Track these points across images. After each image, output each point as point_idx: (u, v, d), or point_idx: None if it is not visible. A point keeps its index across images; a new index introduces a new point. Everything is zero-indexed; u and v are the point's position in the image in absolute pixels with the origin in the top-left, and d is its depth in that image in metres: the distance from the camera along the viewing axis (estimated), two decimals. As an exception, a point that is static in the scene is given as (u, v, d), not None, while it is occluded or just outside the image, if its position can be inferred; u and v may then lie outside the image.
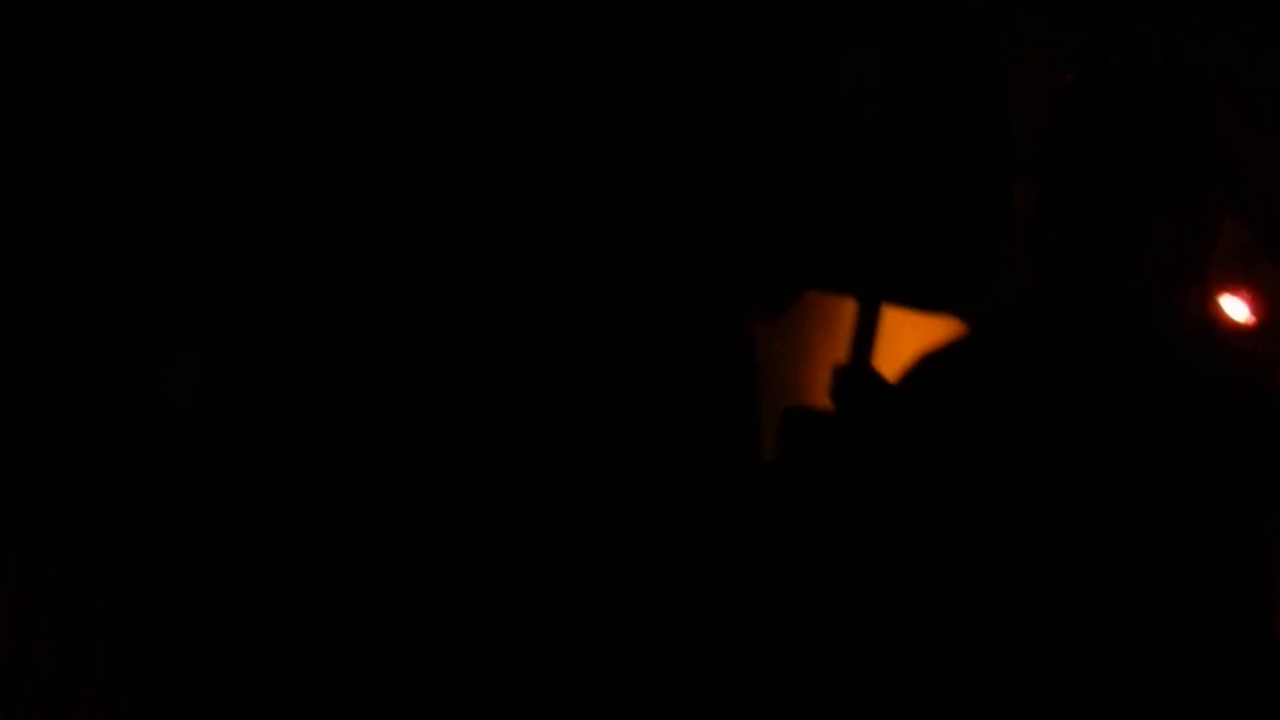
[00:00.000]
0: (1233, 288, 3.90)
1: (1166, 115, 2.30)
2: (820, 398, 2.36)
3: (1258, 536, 2.17)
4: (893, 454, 2.25)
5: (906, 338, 2.42)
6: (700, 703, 3.96)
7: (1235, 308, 3.86)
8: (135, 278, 3.68)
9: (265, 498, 3.80)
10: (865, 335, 2.38)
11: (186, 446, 3.77)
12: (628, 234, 3.99)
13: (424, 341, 3.91)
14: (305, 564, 3.82)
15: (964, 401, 2.21)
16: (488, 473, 3.93)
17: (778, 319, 4.12)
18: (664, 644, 3.98)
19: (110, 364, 3.70)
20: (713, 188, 4.03)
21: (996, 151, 2.44)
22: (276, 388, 3.85)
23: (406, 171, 3.87)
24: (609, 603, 3.98)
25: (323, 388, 3.88)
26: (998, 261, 2.49)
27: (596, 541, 3.99)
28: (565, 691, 3.94)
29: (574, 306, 4.00)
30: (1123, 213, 2.23)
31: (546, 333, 4.02)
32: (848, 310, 2.44)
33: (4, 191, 3.54)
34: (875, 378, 2.38)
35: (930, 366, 2.35)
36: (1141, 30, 3.76)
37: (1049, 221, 2.26)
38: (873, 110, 2.53)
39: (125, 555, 3.71)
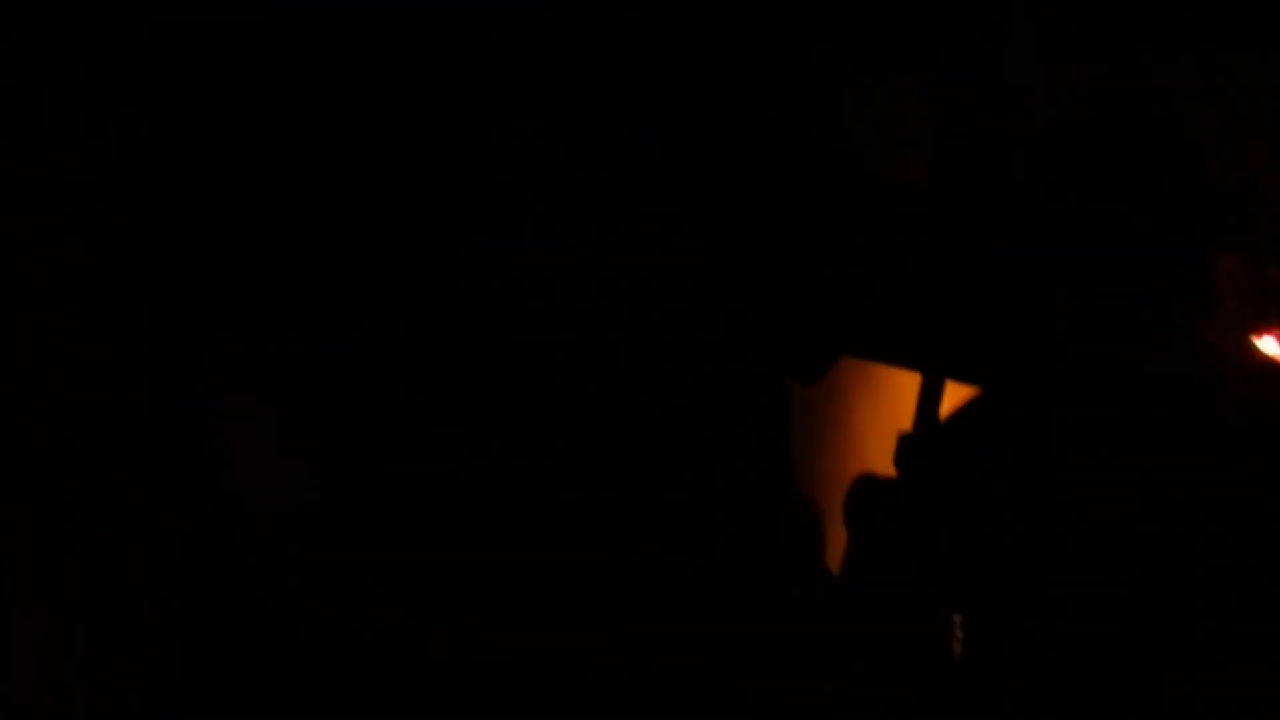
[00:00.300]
0: (1269, 328, 3.92)
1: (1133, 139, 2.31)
2: (877, 464, 2.37)
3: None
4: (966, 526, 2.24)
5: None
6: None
7: (1273, 347, 3.87)
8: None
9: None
10: (930, 402, 2.38)
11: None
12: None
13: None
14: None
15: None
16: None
17: (817, 382, 4.13)
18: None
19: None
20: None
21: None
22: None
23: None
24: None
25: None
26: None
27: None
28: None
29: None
30: (1100, 235, 2.23)
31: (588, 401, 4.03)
32: (889, 370, 2.45)
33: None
34: (942, 444, 2.39)
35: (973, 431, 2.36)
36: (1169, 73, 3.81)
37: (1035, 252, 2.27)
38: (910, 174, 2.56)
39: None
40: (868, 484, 2.29)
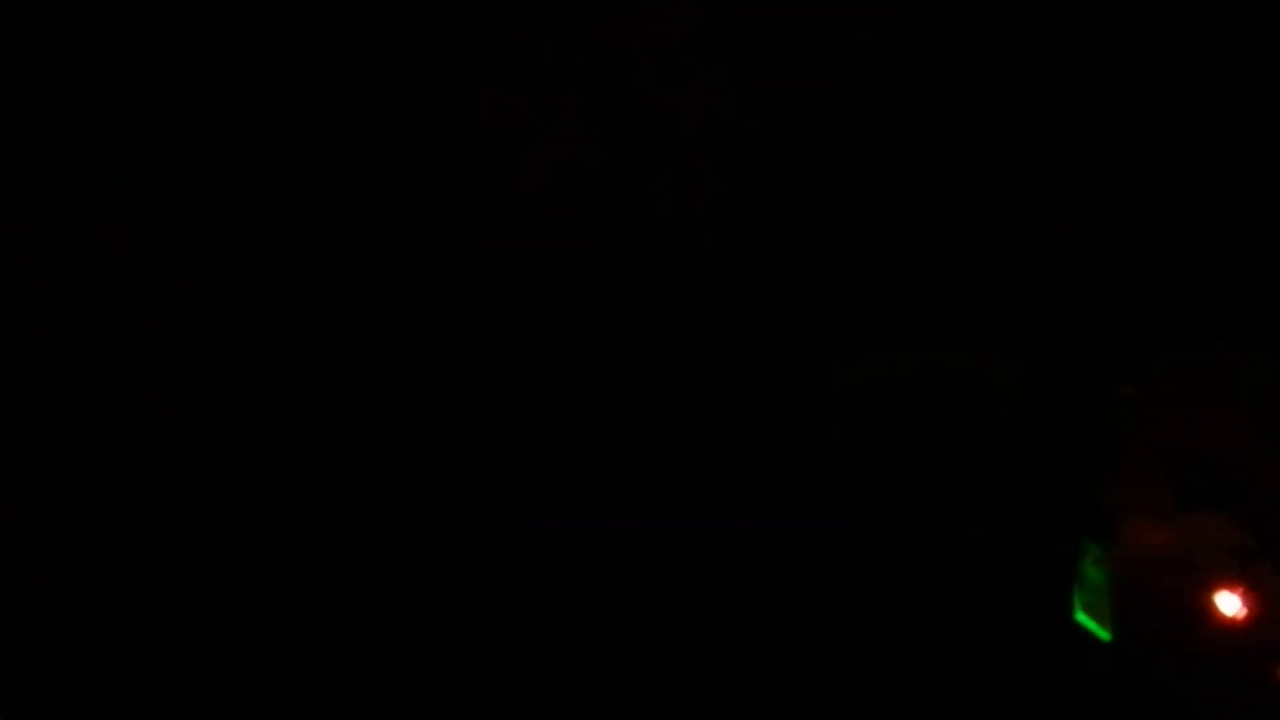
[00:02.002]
0: (1229, 584, 4.05)
1: None
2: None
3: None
4: None
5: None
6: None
7: (1229, 603, 4.01)
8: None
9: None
10: None
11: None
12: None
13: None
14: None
15: None
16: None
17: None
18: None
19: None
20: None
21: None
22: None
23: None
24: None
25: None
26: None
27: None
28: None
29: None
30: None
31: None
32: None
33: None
34: None
35: None
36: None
37: None
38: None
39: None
40: None
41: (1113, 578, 4.05)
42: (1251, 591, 4.00)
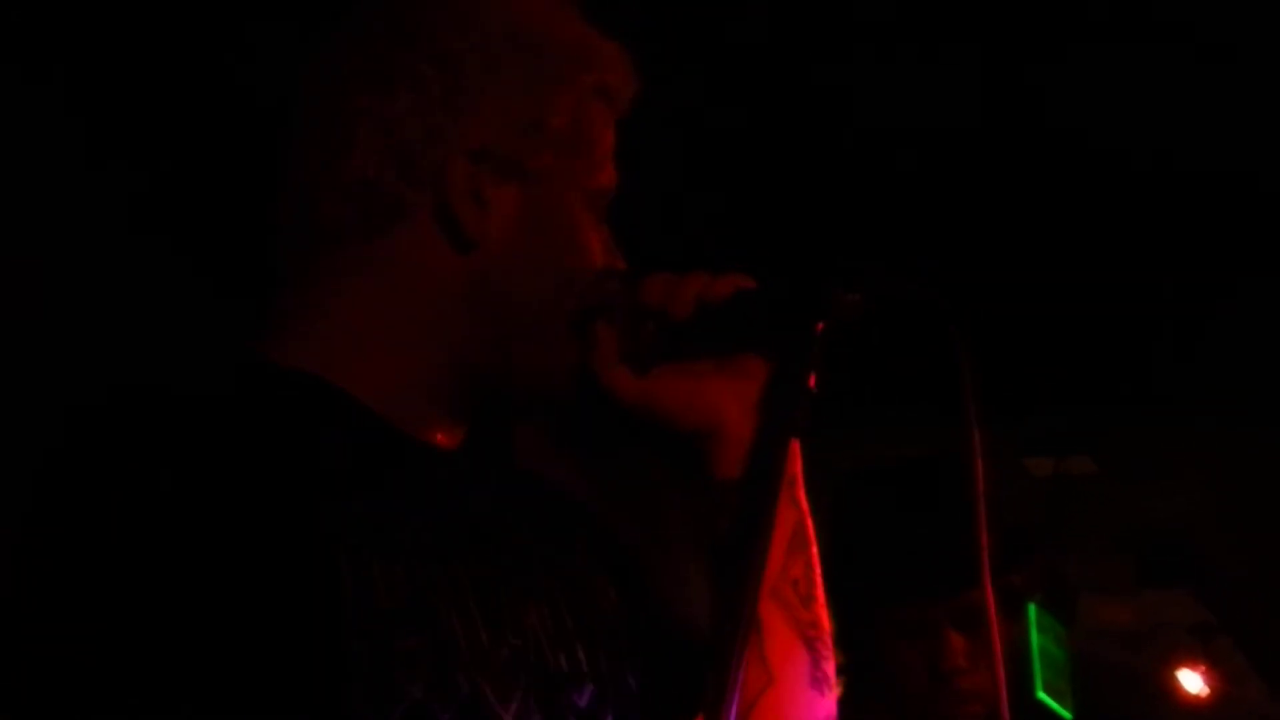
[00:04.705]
0: (1190, 663, 4.10)
1: None
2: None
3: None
4: None
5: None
6: None
7: (1192, 680, 4.06)
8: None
9: None
10: None
11: None
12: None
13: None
14: None
15: None
16: None
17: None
18: None
19: None
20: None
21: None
22: None
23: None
24: None
25: None
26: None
27: None
28: None
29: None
30: None
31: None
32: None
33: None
34: None
35: None
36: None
37: None
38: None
39: None
40: None
41: (1074, 655, 4.06)
42: (1214, 669, 4.05)
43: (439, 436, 1.75)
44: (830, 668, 1.72)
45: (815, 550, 1.72)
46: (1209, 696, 4.16)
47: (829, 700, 1.71)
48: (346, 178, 1.72)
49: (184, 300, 3.92)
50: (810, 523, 1.73)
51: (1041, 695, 4.13)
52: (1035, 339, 4.07)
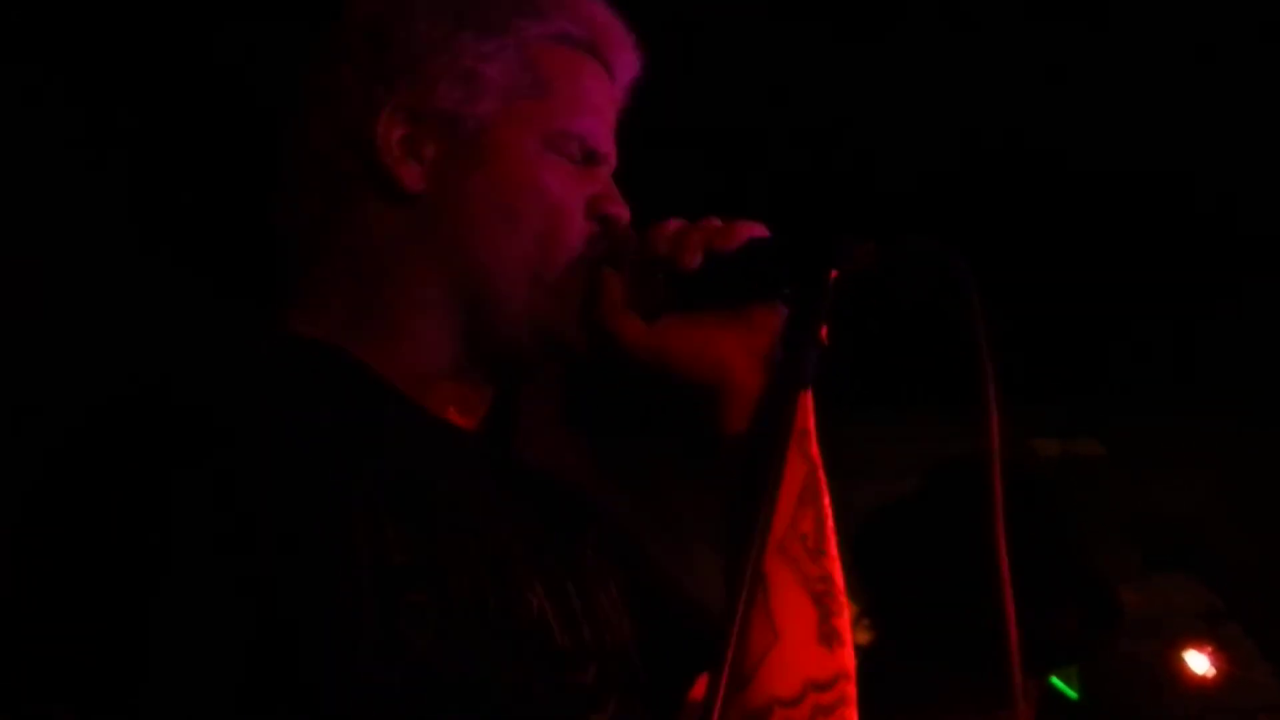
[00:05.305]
0: (1198, 644, 4.10)
1: None
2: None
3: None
4: None
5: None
6: None
7: (1199, 662, 4.05)
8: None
9: None
10: None
11: None
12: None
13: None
14: None
15: None
16: None
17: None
18: None
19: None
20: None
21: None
22: None
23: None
24: None
25: None
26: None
27: None
28: None
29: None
30: None
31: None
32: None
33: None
34: None
35: None
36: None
37: None
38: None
39: None
40: None
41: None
42: (1220, 652, 4.04)
43: (450, 412, 1.75)
44: (840, 622, 1.69)
45: (828, 502, 1.71)
46: (1215, 678, 4.16)
47: (840, 656, 1.68)
48: (310, 161, 1.77)
49: (184, 300, 3.91)
50: (823, 475, 1.71)
51: (1050, 678, 4.14)
52: (1044, 333, 4.08)
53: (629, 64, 1.84)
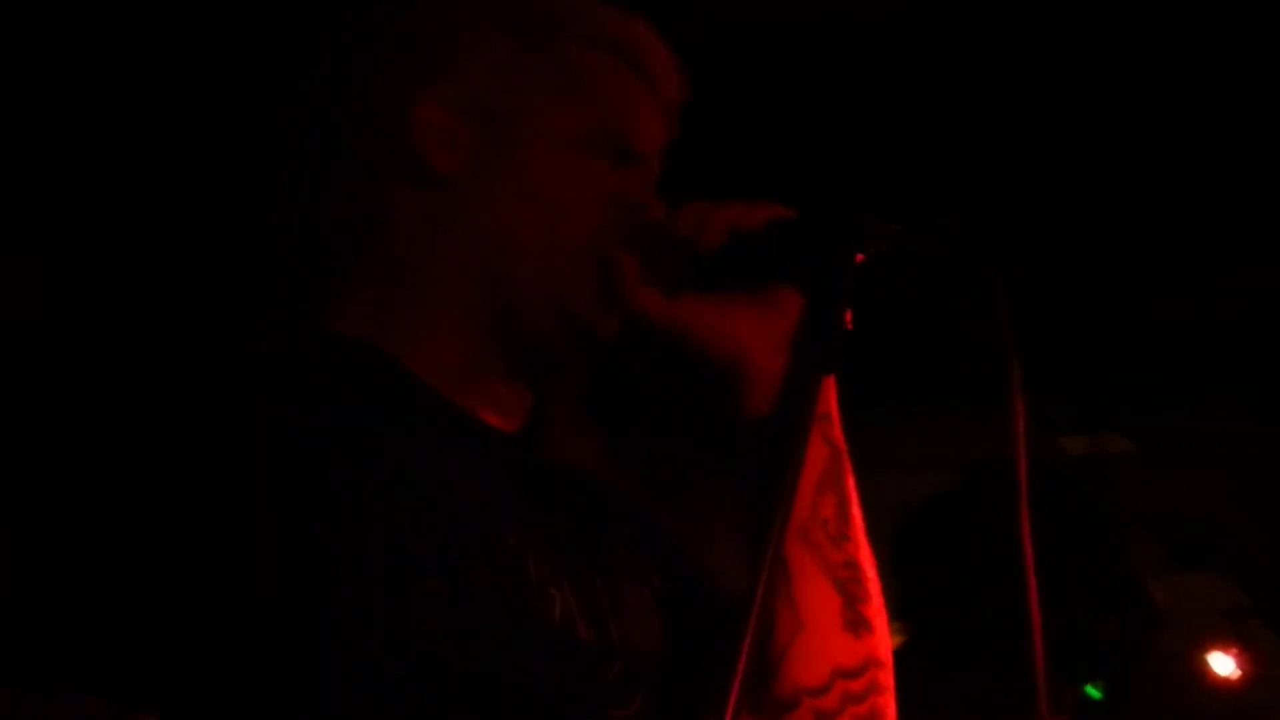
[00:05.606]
0: (1223, 645, 4.07)
1: None
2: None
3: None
4: None
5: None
6: None
7: (1223, 663, 4.03)
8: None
9: None
10: None
11: None
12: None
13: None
14: None
15: None
16: None
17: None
18: None
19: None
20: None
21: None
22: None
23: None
24: None
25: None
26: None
27: None
28: None
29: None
30: None
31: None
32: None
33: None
34: None
35: None
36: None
37: None
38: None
39: None
40: None
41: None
42: (1245, 651, 4.02)
43: (486, 412, 1.73)
44: (867, 608, 1.66)
45: (852, 486, 1.67)
46: (1240, 679, 4.13)
47: (868, 643, 1.64)
48: (340, 156, 1.76)
49: (183, 300, 3.92)
50: (847, 459, 1.69)
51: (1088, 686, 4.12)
52: (1071, 330, 4.08)
53: (666, 70, 1.84)
